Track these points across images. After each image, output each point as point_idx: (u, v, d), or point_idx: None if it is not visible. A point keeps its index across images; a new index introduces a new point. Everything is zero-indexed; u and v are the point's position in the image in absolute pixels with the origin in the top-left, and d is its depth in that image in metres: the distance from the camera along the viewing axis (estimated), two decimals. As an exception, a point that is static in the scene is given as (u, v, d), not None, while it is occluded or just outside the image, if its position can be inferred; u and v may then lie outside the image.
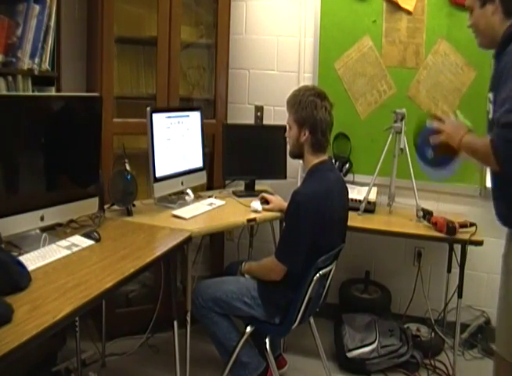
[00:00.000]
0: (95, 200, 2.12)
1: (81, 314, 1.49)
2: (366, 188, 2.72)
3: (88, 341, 2.56)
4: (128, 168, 2.29)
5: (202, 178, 2.78)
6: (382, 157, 2.67)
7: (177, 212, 2.34)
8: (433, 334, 2.81)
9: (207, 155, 2.92)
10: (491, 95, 1.67)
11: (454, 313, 2.59)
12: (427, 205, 2.71)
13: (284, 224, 2.16)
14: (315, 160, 2.12)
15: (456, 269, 2.65)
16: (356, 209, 2.67)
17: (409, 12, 2.86)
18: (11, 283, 1.45)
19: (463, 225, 2.46)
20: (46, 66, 2.23)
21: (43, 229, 1.92)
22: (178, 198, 2.56)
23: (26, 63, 2.13)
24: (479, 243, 2.39)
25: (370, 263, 3.11)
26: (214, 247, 3.08)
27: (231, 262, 2.59)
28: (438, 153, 1.87)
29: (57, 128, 1.93)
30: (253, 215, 2.43)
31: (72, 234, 1.95)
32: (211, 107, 3.05)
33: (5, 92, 2.03)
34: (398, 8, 2.87)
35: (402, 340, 2.64)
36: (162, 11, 2.69)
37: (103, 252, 1.82)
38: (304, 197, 2.00)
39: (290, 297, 2.04)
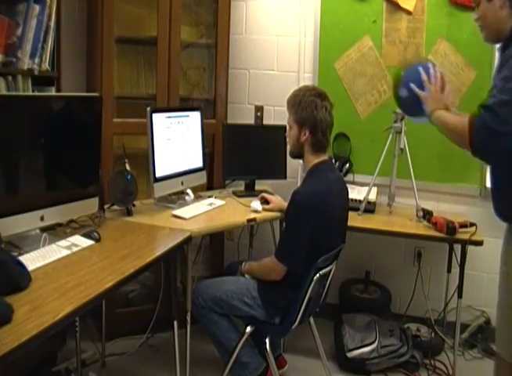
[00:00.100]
0: (95, 200, 2.12)
1: (81, 314, 1.48)
2: (366, 188, 2.72)
3: (88, 341, 2.56)
4: (128, 168, 2.29)
5: (202, 178, 2.78)
6: (382, 157, 2.67)
7: (177, 212, 2.34)
8: (433, 334, 2.81)
9: (207, 155, 2.92)
10: None
11: (454, 313, 2.60)
12: (427, 205, 2.71)
13: (284, 224, 2.16)
14: (315, 160, 2.12)
15: (456, 269, 2.65)
16: (356, 209, 2.67)
17: (409, 12, 2.86)
18: (11, 283, 1.45)
19: (463, 225, 2.46)
20: (46, 66, 2.23)
21: (43, 229, 1.92)
22: (178, 198, 2.56)
23: (26, 63, 2.13)
24: (479, 243, 2.39)
25: (370, 263, 3.11)
26: (214, 247, 3.08)
27: (231, 262, 2.59)
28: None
29: (57, 128, 1.93)
30: (253, 215, 2.43)
31: (72, 234, 1.95)
32: (211, 107, 3.05)
33: (5, 92, 2.03)
34: (398, 8, 2.87)
35: (401, 340, 2.64)
36: (162, 11, 2.69)
37: (103, 252, 1.82)
38: (304, 196, 2.00)
39: (290, 297, 2.04)
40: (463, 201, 2.90)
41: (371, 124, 2.98)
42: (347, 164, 2.98)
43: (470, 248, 2.45)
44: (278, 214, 2.49)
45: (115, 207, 2.32)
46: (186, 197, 2.59)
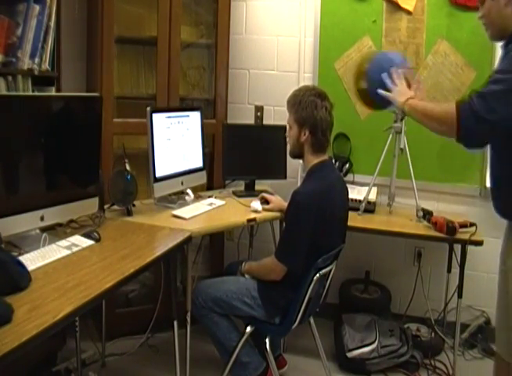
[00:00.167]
0: (95, 200, 2.12)
1: (81, 314, 1.48)
2: (366, 188, 2.72)
3: (88, 341, 2.56)
4: (128, 168, 2.29)
5: (202, 179, 2.78)
6: (382, 157, 2.67)
7: (177, 212, 2.34)
8: (433, 334, 2.81)
9: (207, 155, 2.92)
10: None
11: (454, 313, 2.60)
12: (427, 205, 2.71)
13: (284, 224, 2.16)
14: (315, 160, 2.12)
15: (456, 269, 2.65)
16: (356, 209, 2.67)
17: (409, 12, 2.86)
18: (11, 283, 1.45)
19: (463, 225, 2.46)
20: (46, 66, 2.23)
21: (43, 229, 1.92)
22: (178, 198, 2.56)
23: (26, 63, 2.13)
24: (479, 243, 2.39)
25: (370, 263, 3.11)
26: (214, 247, 3.08)
27: (231, 262, 2.59)
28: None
29: (57, 128, 1.93)
30: (253, 215, 2.43)
31: (72, 234, 1.95)
32: (211, 107, 3.05)
33: (5, 92, 2.03)
34: (398, 8, 2.87)
35: (401, 340, 2.64)
36: (162, 11, 2.69)
37: (103, 252, 1.82)
38: (304, 196, 2.00)
39: (290, 297, 2.04)
40: (463, 201, 2.90)
41: (371, 124, 2.97)
42: (347, 164, 2.98)
43: (470, 248, 2.45)
44: (278, 214, 2.49)
45: (115, 207, 2.32)
46: (186, 197, 2.59)
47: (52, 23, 2.22)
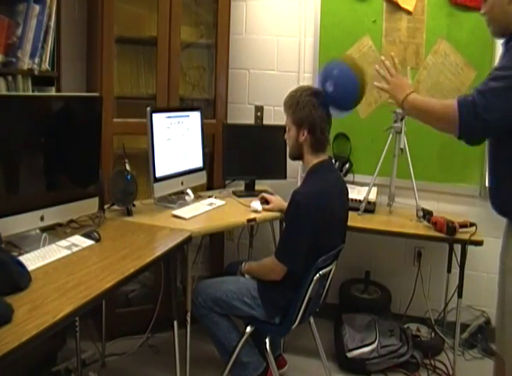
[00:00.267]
0: (95, 200, 2.12)
1: (81, 314, 1.48)
2: (366, 188, 2.72)
3: (88, 341, 2.56)
4: (128, 168, 2.29)
5: (202, 179, 2.78)
6: (382, 157, 2.67)
7: (177, 212, 2.34)
8: (433, 334, 2.81)
9: (207, 155, 2.92)
10: None
11: (454, 313, 2.60)
12: (427, 205, 2.71)
13: (284, 224, 2.16)
14: (314, 160, 2.12)
15: (456, 269, 2.65)
16: (356, 209, 2.67)
17: (409, 12, 2.86)
18: (11, 283, 1.45)
19: (463, 225, 2.46)
20: (46, 66, 2.23)
21: (43, 229, 1.92)
22: (178, 198, 2.56)
23: (26, 63, 2.13)
24: (479, 243, 2.39)
25: (370, 263, 3.11)
26: (214, 247, 3.08)
27: (231, 262, 2.59)
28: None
29: (57, 128, 1.93)
30: (253, 215, 2.43)
31: (72, 234, 1.95)
32: (211, 107, 3.05)
33: (5, 92, 2.03)
34: (398, 8, 2.87)
35: (402, 340, 2.64)
36: (162, 11, 2.69)
37: (103, 252, 1.82)
38: (304, 196, 2.00)
39: (290, 297, 2.04)
40: (463, 201, 2.90)
41: (371, 124, 2.98)
42: (347, 164, 2.98)
43: (470, 248, 2.45)
44: (278, 214, 2.49)
45: (115, 207, 2.32)
46: (186, 197, 2.59)
47: (52, 23, 2.22)
